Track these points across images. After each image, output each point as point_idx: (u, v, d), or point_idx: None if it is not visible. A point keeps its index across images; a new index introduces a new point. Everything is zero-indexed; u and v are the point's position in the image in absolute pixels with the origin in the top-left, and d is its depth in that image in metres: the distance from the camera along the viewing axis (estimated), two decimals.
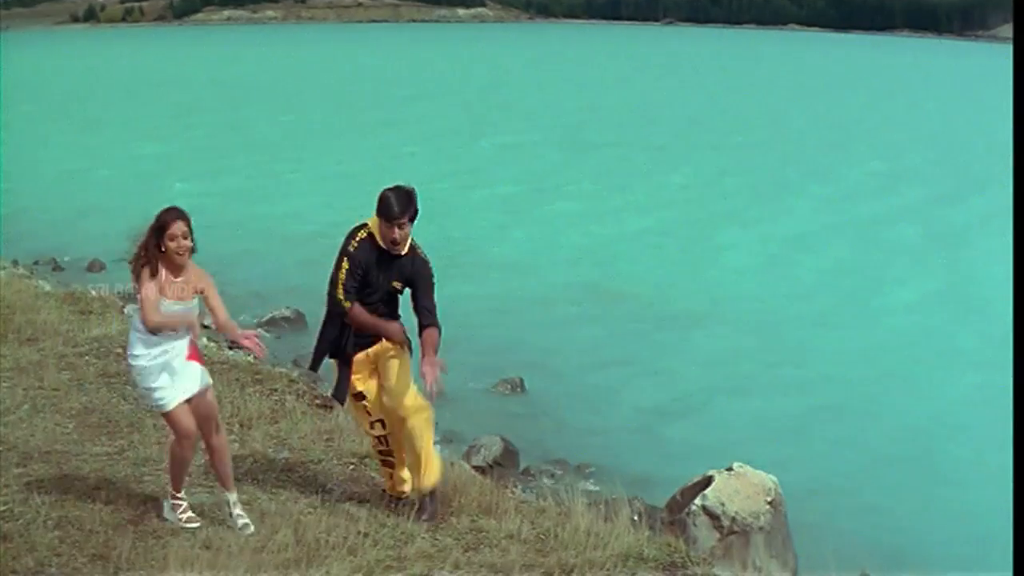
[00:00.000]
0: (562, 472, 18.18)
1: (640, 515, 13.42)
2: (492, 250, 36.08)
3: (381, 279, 9.38)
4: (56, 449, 10.54)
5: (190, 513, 9.11)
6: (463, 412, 21.30)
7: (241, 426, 11.65)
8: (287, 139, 63.58)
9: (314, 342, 9.71)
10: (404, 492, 9.86)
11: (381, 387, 9.59)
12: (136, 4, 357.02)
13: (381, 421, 9.67)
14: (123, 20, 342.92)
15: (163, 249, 8.61)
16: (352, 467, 10.83)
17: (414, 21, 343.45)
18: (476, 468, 15.21)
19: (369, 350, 9.53)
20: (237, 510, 9.11)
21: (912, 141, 66.67)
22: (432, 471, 9.60)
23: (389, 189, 9.28)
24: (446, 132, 66.68)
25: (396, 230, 9.19)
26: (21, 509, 8.98)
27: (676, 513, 14.01)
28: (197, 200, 41.03)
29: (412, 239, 9.43)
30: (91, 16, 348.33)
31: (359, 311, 9.30)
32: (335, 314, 9.37)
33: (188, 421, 8.86)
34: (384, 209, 9.18)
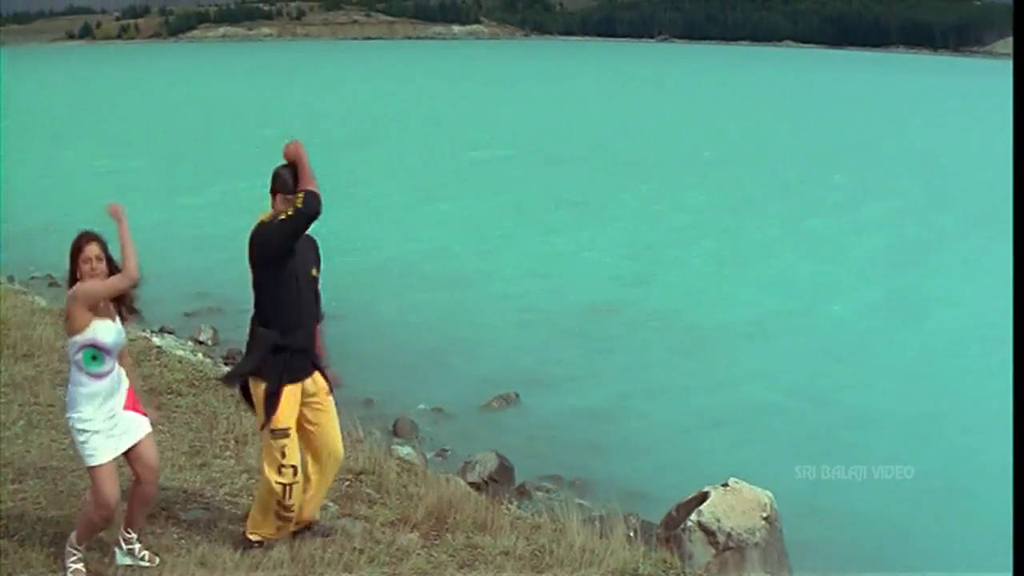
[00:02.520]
0: (557, 488, 18.15)
1: (635, 531, 13.40)
2: (483, 265, 36.06)
3: (300, 264, 8.76)
4: (51, 465, 10.54)
5: (78, 566, 8.39)
6: (458, 428, 21.32)
7: (236, 442, 11.65)
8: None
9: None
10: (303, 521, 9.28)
11: (306, 429, 8.94)
12: (131, 21, 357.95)
13: (294, 468, 8.71)
14: (119, 37, 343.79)
15: (78, 275, 8.23)
16: (347, 483, 10.82)
17: (409, 38, 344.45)
18: (471, 484, 15.19)
19: (308, 381, 8.87)
20: (138, 547, 8.72)
21: (887, 157, 66.84)
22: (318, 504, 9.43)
23: (281, 167, 8.74)
24: (423, 147, 66.83)
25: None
26: (16, 525, 8.98)
27: (671, 529, 14.00)
28: (195, 212, 41.25)
29: None
30: (87, 33, 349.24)
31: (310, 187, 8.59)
32: (307, 210, 8.43)
33: (112, 488, 8.20)
34: (281, 184, 8.64)
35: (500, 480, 17.60)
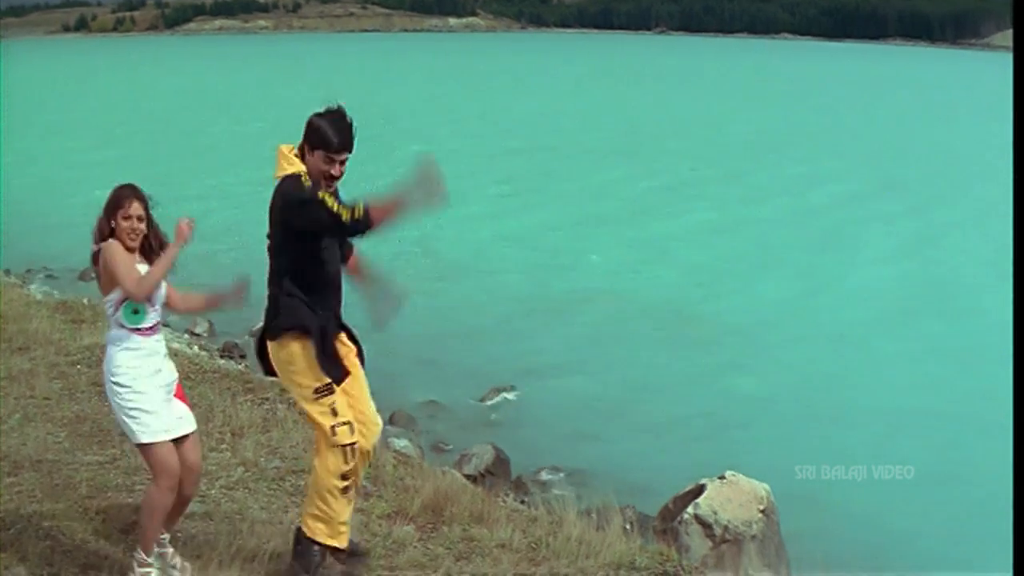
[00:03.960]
0: (554, 480, 18.18)
1: (632, 524, 13.38)
2: (478, 258, 36.06)
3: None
4: (47, 458, 10.52)
5: None
6: (454, 421, 21.35)
7: (232, 435, 11.62)
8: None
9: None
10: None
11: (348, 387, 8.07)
12: (127, 14, 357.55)
13: (350, 424, 7.89)
14: (114, 29, 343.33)
15: (114, 228, 7.58)
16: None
17: (406, 30, 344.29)
18: (467, 477, 15.19)
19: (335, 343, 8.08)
20: (171, 551, 8.13)
21: (850, 145, 67.15)
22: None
23: (320, 115, 7.70)
24: (413, 139, 66.83)
25: (338, 165, 7.66)
26: (12, 519, 8.96)
27: (668, 522, 14.00)
28: (187, 204, 41.01)
29: None
30: (82, 26, 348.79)
31: (373, 206, 7.48)
32: (355, 230, 7.53)
33: (174, 459, 7.66)
34: (321, 140, 7.59)
35: (497, 473, 17.62)
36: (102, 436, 11.29)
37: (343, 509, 8.01)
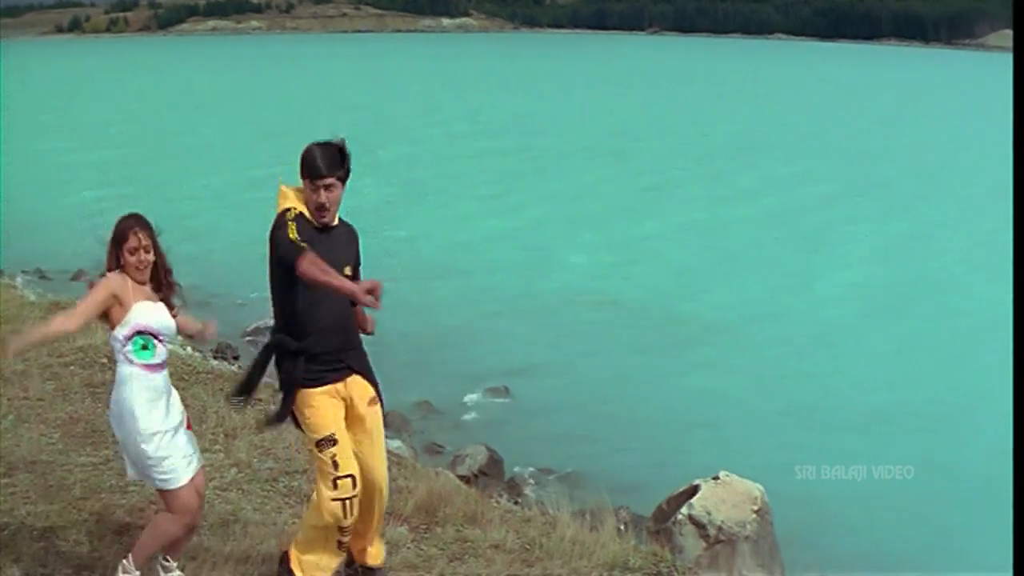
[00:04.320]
0: (547, 481, 18.19)
1: (626, 524, 13.43)
2: (472, 259, 36.06)
3: (326, 256, 7.30)
4: (41, 459, 10.51)
5: None
6: (448, 421, 21.37)
7: (226, 436, 11.61)
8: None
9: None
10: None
11: (354, 438, 7.71)
12: (120, 15, 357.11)
13: (352, 478, 7.52)
14: (108, 30, 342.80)
15: (121, 263, 7.41)
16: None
17: (399, 31, 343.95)
18: (461, 477, 15.19)
19: (339, 385, 7.67)
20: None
21: (839, 145, 67.35)
22: (380, 547, 8.22)
23: (314, 144, 7.53)
24: (404, 140, 66.96)
25: (322, 192, 7.40)
26: (6, 520, 8.95)
27: (662, 522, 14.02)
28: (178, 204, 41.13)
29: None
30: (76, 26, 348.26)
31: (315, 259, 7.16)
32: (287, 261, 7.27)
33: (192, 498, 7.55)
34: (308, 167, 7.40)
35: (490, 473, 17.64)
36: (95, 437, 11.29)
37: (331, 560, 7.87)
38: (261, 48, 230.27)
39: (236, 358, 22.13)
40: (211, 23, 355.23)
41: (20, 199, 43.91)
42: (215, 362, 17.07)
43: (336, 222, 7.61)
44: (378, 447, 7.83)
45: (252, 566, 8.38)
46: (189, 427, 7.76)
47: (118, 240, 7.38)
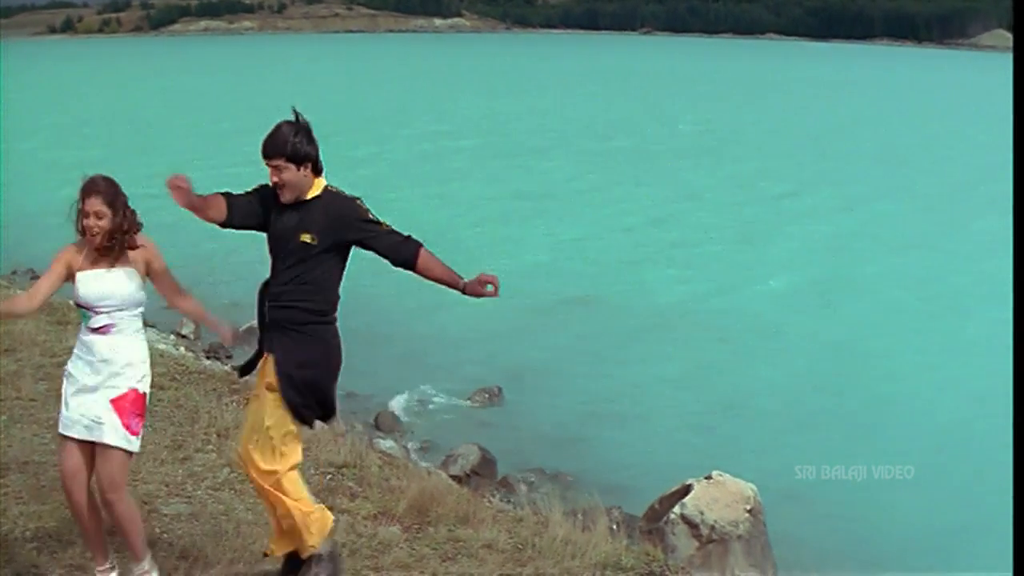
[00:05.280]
0: (540, 481, 18.17)
1: (618, 524, 13.42)
2: (464, 259, 36.01)
3: (283, 226, 7.54)
4: (33, 460, 10.50)
5: None
6: (440, 421, 21.36)
7: (218, 436, 11.62)
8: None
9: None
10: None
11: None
12: (113, 15, 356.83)
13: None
14: (100, 31, 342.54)
15: (80, 227, 7.26)
16: (329, 476, 10.81)
17: (391, 31, 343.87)
18: (453, 477, 15.23)
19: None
20: None
21: (863, 150, 67.48)
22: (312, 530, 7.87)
23: (280, 122, 7.63)
24: (398, 138, 66.94)
25: (272, 173, 7.49)
26: None
27: (654, 522, 14.02)
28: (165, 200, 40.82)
29: (332, 187, 7.68)
30: (68, 27, 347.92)
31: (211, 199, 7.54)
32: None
33: (69, 460, 7.39)
34: (261, 146, 7.53)
35: (482, 473, 17.64)
36: None
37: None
38: (253, 48, 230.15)
39: (229, 357, 22.13)
40: (203, 23, 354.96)
41: (13, 199, 43.82)
42: (208, 362, 17.13)
43: (309, 196, 7.55)
44: (251, 421, 7.77)
45: (245, 566, 8.38)
46: (122, 408, 7.30)
47: (78, 203, 7.28)
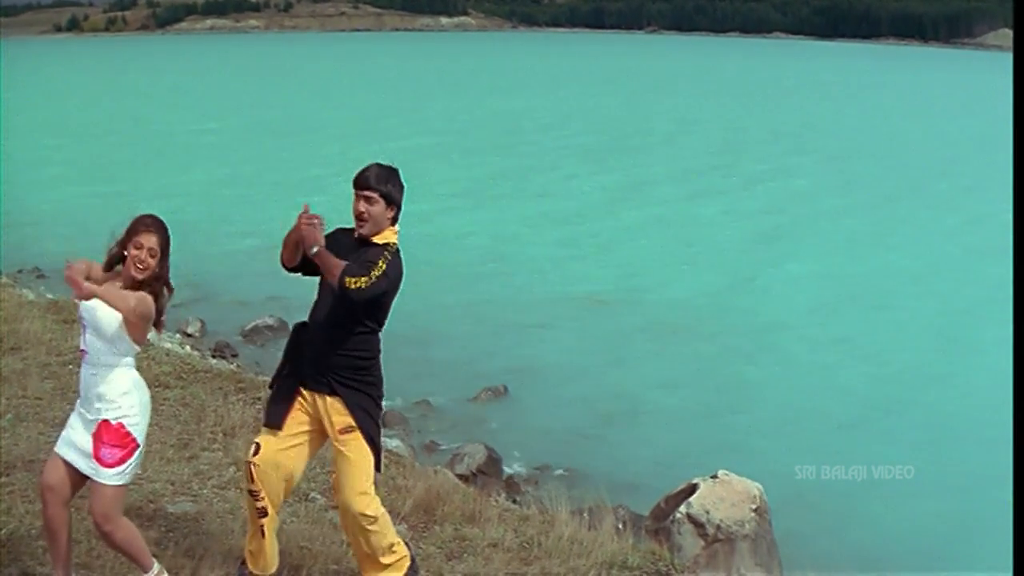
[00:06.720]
0: (546, 480, 18.15)
1: (624, 523, 13.42)
2: (470, 257, 36.04)
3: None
4: (39, 458, 10.48)
5: None
6: (446, 420, 21.33)
7: (224, 435, 11.62)
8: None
9: None
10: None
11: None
12: (119, 14, 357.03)
13: (250, 465, 7.84)
14: (106, 29, 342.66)
15: (125, 256, 7.28)
16: (335, 475, 10.79)
17: (397, 30, 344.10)
18: (459, 476, 15.19)
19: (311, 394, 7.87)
20: None
21: (823, 143, 67.60)
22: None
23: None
24: (397, 137, 66.89)
25: (361, 202, 7.65)
26: (4, 519, 8.94)
27: (660, 521, 14.01)
28: (170, 200, 41.12)
29: (395, 245, 7.77)
30: (74, 26, 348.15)
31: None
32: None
33: (51, 474, 7.48)
34: (356, 177, 7.73)
35: (488, 472, 17.62)
36: None
37: (251, 533, 8.02)
38: (259, 47, 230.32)
39: (235, 356, 22.16)
40: (209, 22, 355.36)
41: (16, 197, 43.83)
42: (214, 361, 17.11)
43: (367, 234, 7.73)
44: (350, 473, 7.92)
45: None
46: (98, 440, 7.34)
47: (131, 232, 7.29)
